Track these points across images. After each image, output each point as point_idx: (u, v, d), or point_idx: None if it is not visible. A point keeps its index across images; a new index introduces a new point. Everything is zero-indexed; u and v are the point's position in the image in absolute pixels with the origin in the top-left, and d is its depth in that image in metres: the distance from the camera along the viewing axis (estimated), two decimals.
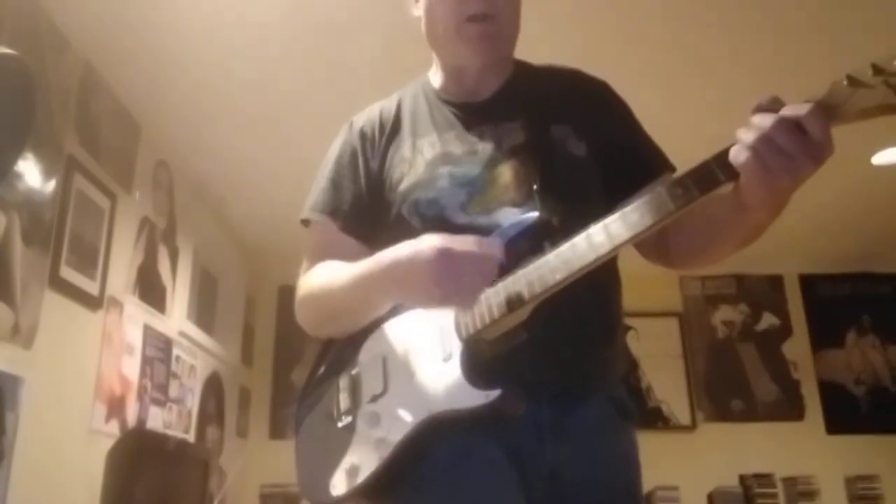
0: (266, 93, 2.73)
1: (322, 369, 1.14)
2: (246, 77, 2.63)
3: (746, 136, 0.78)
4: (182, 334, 3.23)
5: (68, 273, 2.27)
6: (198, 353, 3.45)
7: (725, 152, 0.81)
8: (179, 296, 3.24)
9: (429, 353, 0.97)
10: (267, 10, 2.31)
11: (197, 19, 2.33)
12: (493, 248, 0.91)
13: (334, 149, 1.22)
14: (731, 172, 0.81)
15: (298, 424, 1.13)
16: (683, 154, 1.08)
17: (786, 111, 0.77)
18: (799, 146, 0.76)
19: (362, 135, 1.19)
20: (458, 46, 1.13)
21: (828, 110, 0.76)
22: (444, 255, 0.89)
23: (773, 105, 0.79)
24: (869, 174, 3.44)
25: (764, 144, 0.77)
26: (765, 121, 0.77)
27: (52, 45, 2.25)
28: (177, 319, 3.19)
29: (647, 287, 4.28)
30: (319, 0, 2.27)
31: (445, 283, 0.88)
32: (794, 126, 0.76)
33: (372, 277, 0.98)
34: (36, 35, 2.16)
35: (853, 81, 0.74)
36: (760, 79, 2.57)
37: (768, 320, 4.63)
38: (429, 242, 0.91)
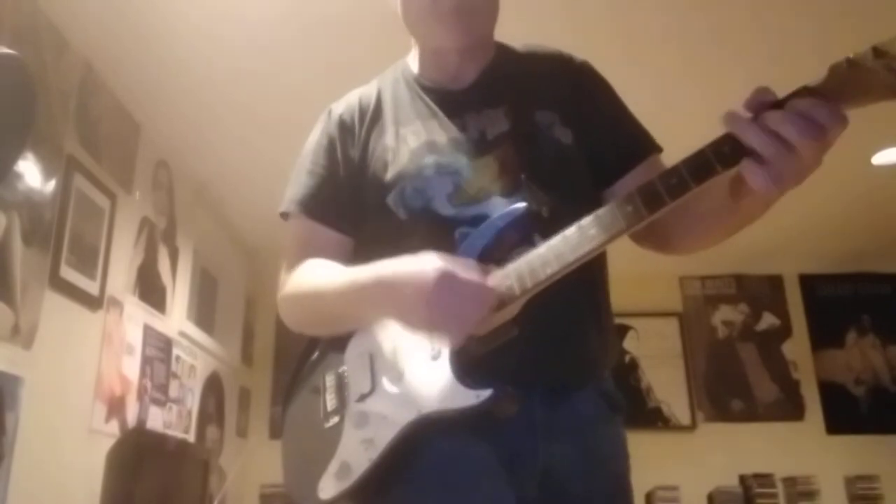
0: (266, 93, 2.73)
1: (307, 367, 1.11)
2: (246, 77, 2.63)
3: (764, 146, 0.74)
4: (182, 334, 3.23)
5: (68, 273, 2.27)
6: (198, 353, 3.45)
7: (721, 141, 0.79)
8: (179, 296, 3.24)
9: (417, 351, 0.95)
10: (267, 10, 2.31)
11: (197, 19, 2.33)
12: (493, 287, 0.87)
13: (313, 138, 1.18)
14: (728, 162, 0.78)
15: (284, 425, 1.11)
16: (680, 147, 1.08)
17: (814, 115, 0.72)
18: (816, 152, 0.73)
19: (341, 123, 1.15)
20: (432, 25, 1.09)
21: (825, 97, 0.73)
22: (446, 279, 0.85)
23: (764, 97, 0.76)
24: (869, 174, 3.44)
25: (781, 156, 0.73)
26: (791, 131, 0.73)
27: (52, 45, 2.25)
28: (177, 319, 3.18)
29: (647, 287, 4.30)
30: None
31: (439, 308, 0.85)
32: (819, 130, 0.72)
33: (368, 289, 0.94)
34: (36, 35, 2.16)
35: (853, 65, 0.72)
36: (757, 73, 2.57)
37: (768, 320, 4.63)
38: (433, 263, 0.87)
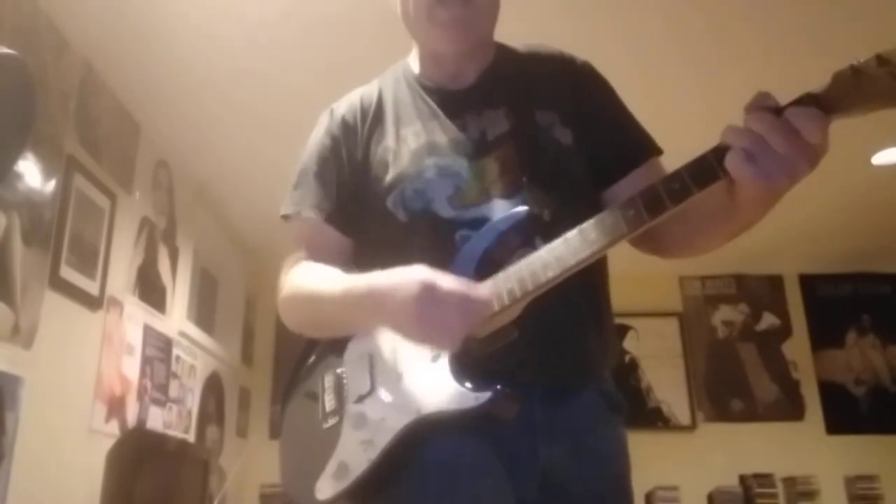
0: (266, 92, 2.73)
1: (306, 367, 1.11)
2: (246, 77, 2.63)
3: (741, 140, 0.76)
4: (182, 334, 3.23)
5: (68, 273, 2.27)
6: (198, 353, 3.45)
7: (724, 147, 0.78)
8: (179, 296, 3.24)
9: (417, 352, 0.95)
10: (267, 10, 2.31)
11: (197, 19, 2.33)
12: (482, 298, 0.87)
13: (315, 138, 1.17)
14: None
15: (282, 425, 1.11)
16: (680, 147, 1.07)
17: (785, 115, 0.74)
18: (796, 150, 0.74)
19: (343, 123, 1.14)
20: (430, 31, 1.09)
21: (828, 104, 0.74)
22: (428, 292, 0.86)
23: (764, 102, 0.77)
24: (869, 174, 3.44)
25: (760, 150, 0.75)
26: (761, 125, 0.75)
27: (52, 45, 2.25)
28: (177, 319, 3.18)
29: (647, 287, 4.31)
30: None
31: (424, 321, 0.86)
32: (791, 130, 0.74)
33: (362, 298, 0.95)
34: (36, 35, 2.16)
35: (857, 72, 0.72)
36: (757, 74, 2.57)
37: (768, 320, 4.63)
38: (420, 276, 0.88)
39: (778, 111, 0.76)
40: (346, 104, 1.17)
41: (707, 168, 0.79)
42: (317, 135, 1.18)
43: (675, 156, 0.87)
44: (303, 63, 2.56)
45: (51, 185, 2.21)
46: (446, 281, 0.87)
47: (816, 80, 0.75)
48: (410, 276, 0.89)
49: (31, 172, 2.10)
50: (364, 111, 1.15)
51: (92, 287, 2.43)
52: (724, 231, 0.93)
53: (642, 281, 3.94)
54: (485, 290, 0.90)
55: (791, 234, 3.81)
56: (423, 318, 0.86)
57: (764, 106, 0.76)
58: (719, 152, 0.79)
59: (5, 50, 1.94)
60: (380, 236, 1.07)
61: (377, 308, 0.92)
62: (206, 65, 2.55)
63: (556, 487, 0.97)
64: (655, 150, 1.11)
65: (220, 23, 2.35)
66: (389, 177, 1.06)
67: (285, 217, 1.16)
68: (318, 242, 1.11)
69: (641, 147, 1.11)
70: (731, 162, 0.76)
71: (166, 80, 2.63)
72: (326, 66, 2.55)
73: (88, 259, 2.42)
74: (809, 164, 0.75)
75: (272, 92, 2.72)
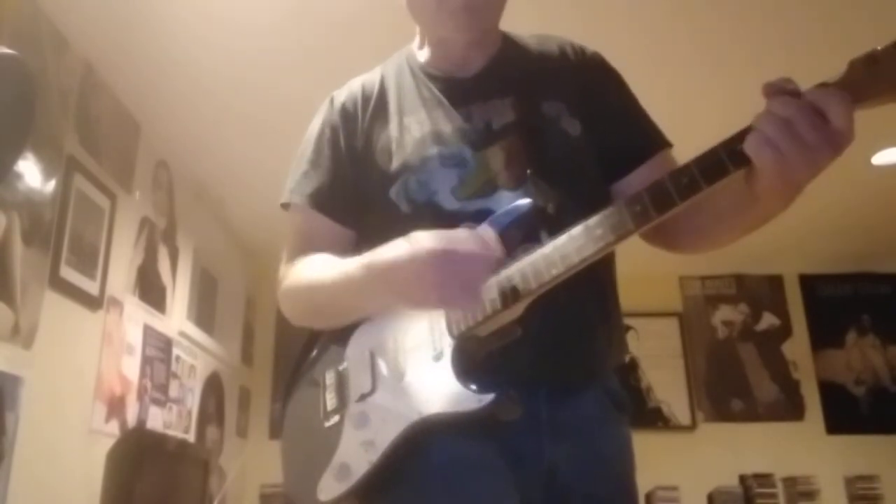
0: (266, 93, 2.73)
1: (307, 363, 1.09)
2: (246, 77, 2.63)
3: (765, 125, 0.72)
4: (182, 334, 3.23)
5: (68, 273, 2.27)
6: (198, 353, 3.45)
7: (735, 139, 0.75)
8: (179, 296, 3.24)
9: (419, 351, 0.93)
10: (267, 10, 2.31)
11: (197, 19, 2.33)
12: (492, 245, 0.85)
13: (314, 127, 1.15)
14: (741, 161, 0.75)
15: (283, 423, 1.09)
16: (695, 140, 1.06)
17: (811, 97, 0.71)
18: (821, 136, 0.71)
19: (344, 111, 1.12)
20: (438, 18, 1.06)
21: (850, 92, 0.71)
22: (446, 257, 0.82)
23: (785, 86, 0.74)
24: (869, 174, 3.44)
25: (785, 135, 0.71)
26: (786, 109, 0.71)
27: (52, 45, 2.25)
28: (177, 319, 3.18)
29: (647, 287, 4.30)
30: (320, 0, 2.27)
31: (447, 286, 0.82)
32: (818, 114, 0.70)
33: (364, 280, 0.91)
34: (36, 35, 2.16)
35: (873, 60, 0.70)
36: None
37: (768, 320, 4.63)
38: (426, 243, 0.84)
39: (799, 96, 0.73)
40: (347, 92, 1.16)
41: (717, 162, 0.76)
42: (317, 123, 1.16)
43: (689, 153, 0.84)
44: (303, 63, 2.55)
45: (51, 185, 2.21)
46: (456, 241, 0.84)
47: (839, 67, 0.73)
48: (417, 246, 0.85)
49: (31, 172, 2.10)
50: (365, 99, 1.13)
51: (92, 287, 2.42)
52: (739, 225, 0.91)
53: (642, 281, 3.92)
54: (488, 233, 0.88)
55: (791, 234, 3.81)
56: (443, 284, 0.82)
57: (785, 90, 0.74)
58: (731, 145, 0.76)
59: (5, 50, 1.94)
60: (381, 227, 1.04)
61: (385, 286, 0.88)
62: (205, 65, 2.55)
63: (561, 487, 0.96)
64: (665, 143, 1.09)
65: (220, 23, 2.35)
66: (392, 167, 1.04)
67: (284, 206, 1.15)
68: (316, 232, 1.10)
69: (650, 140, 1.09)
70: (751, 145, 0.73)
71: (166, 81, 2.63)
72: (326, 71, 2.52)
73: (88, 259, 2.42)
74: (834, 151, 0.72)
75: (272, 92, 2.72)
